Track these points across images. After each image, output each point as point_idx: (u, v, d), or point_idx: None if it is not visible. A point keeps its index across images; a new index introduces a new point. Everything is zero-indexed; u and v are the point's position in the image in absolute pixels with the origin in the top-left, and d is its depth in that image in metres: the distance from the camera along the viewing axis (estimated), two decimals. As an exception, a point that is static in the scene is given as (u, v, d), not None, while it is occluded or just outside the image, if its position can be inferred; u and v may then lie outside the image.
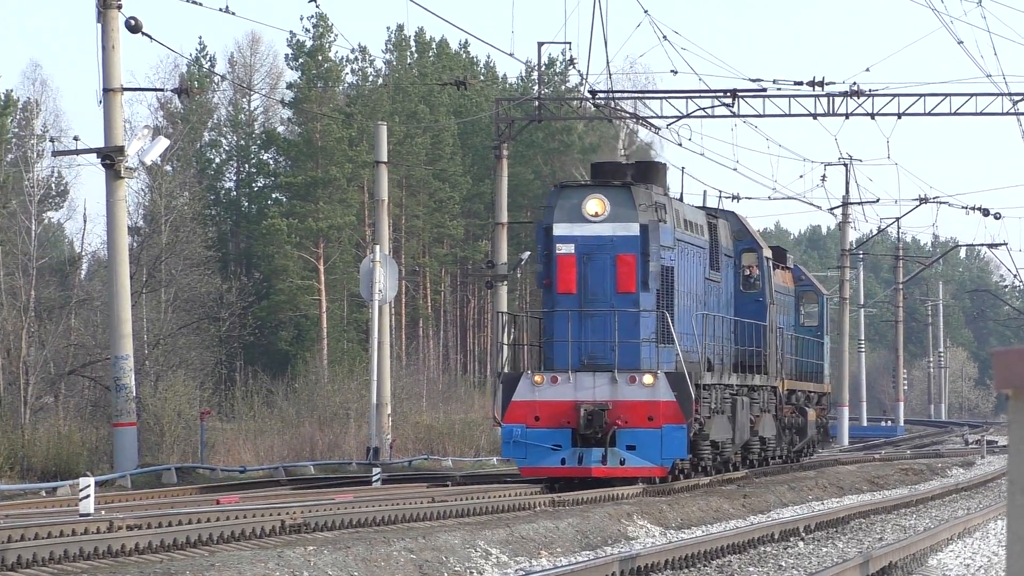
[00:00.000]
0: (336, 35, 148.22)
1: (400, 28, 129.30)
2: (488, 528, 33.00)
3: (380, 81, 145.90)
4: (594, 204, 49.66)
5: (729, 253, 60.54)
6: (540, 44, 79.27)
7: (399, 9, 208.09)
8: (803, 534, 37.65)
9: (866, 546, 35.10)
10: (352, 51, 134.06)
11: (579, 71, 71.38)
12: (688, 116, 72.63)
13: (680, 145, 77.54)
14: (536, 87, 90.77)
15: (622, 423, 49.22)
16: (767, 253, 62.87)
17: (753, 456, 63.53)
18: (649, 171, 54.11)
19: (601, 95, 72.62)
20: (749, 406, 59.33)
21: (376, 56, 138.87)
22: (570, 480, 49.79)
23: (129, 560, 27.92)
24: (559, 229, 49.81)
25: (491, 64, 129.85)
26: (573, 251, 49.71)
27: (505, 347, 52.26)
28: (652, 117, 75.80)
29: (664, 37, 66.70)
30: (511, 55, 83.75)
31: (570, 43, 67.80)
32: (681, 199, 56.70)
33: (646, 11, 63.65)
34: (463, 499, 43.04)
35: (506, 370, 51.63)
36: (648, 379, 49.41)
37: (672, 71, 71.67)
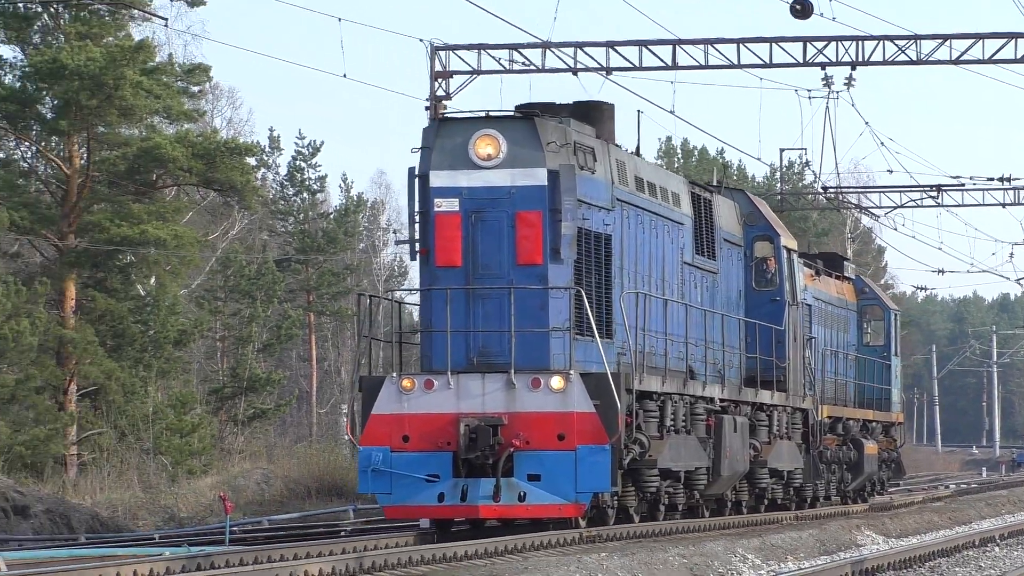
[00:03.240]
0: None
1: (668, 139, 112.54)
2: (745, 538, 28.34)
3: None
4: (485, 144, 25.18)
5: (736, 240, 34.10)
6: (782, 150, 75.20)
7: (668, 124, 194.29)
8: (998, 541, 33.41)
9: (1051, 550, 31.56)
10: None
11: (813, 171, 61.79)
12: (901, 206, 64.76)
13: (895, 230, 73.72)
14: (779, 184, 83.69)
15: (521, 443, 24.86)
16: (787, 242, 35.37)
17: (776, 494, 36.14)
18: (590, 114, 28.11)
19: (831, 190, 65.05)
20: (748, 429, 32.55)
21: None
22: (480, 522, 26.67)
23: (460, 564, 22.56)
24: (437, 178, 25.36)
25: (742, 166, 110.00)
26: (457, 208, 25.41)
27: (365, 340, 26.72)
28: (872, 207, 67.98)
29: (881, 143, 59.18)
30: (758, 159, 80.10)
31: (806, 148, 55.37)
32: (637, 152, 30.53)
33: (867, 123, 56.59)
34: (725, 515, 34.06)
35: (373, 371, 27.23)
36: (557, 382, 24.83)
37: (888, 170, 63.73)
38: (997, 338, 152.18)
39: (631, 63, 41.51)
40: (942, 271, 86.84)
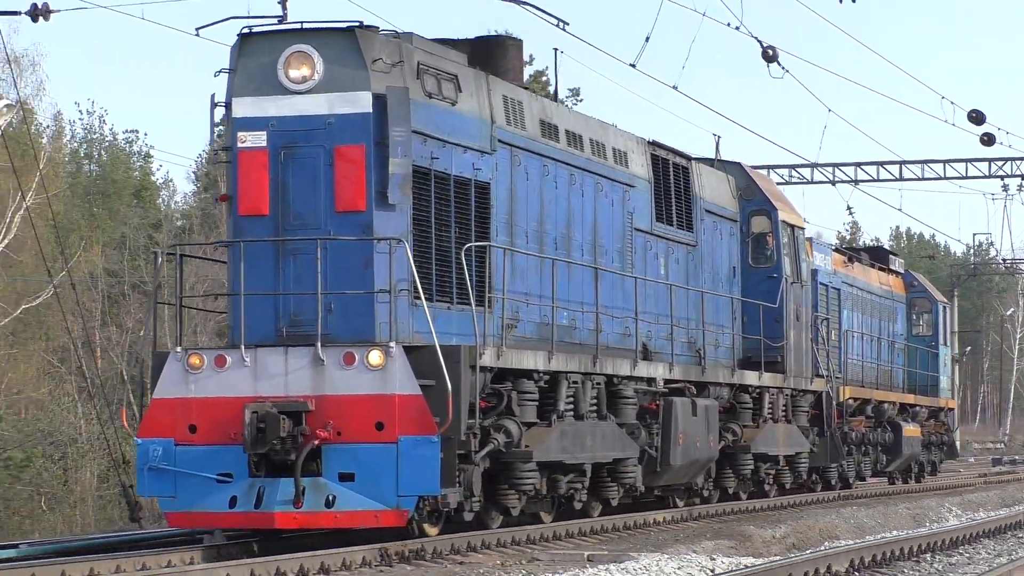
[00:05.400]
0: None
1: (897, 227, 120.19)
2: (950, 496, 29.96)
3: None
4: (297, 63, 14.33)
5: (729, 215, 24.36)
6: (974, 234, 74.40)
7: (896, 217, 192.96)
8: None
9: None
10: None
11: (996, 248, 72.18)
12: (1061, 270, 71.22)
13: (1058, 285, 77.12)
14: (972, 256, 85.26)
15: (331, 434, 14.20)
16: (787, 217, 25.60)
17: (783, 479, 26.19)
18: (490, 50, 17.33)
19: (1008, 261, 71.34)
20: (716, 412, 21.79)
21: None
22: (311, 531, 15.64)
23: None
24: (240, 107, 14.73)
25: (947, 245, 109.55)
26: (264, 144, 14.63)
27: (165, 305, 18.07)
28: (1036, 270, 73.98)
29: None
30: (958, 240, 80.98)
31: (991, 232, 51.77)
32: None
33: (1031, 213, 59.40)
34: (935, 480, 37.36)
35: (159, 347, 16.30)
36: (376, 358, 14.10)
37: (1050, 244, 69.81)
38: None
39: (871, 176, 48.02)
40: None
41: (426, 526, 15.66)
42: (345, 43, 15.22)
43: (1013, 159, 45.30)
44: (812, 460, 27.35)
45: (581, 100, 49.01)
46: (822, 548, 17.42)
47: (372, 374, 14.60)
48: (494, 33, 18.22)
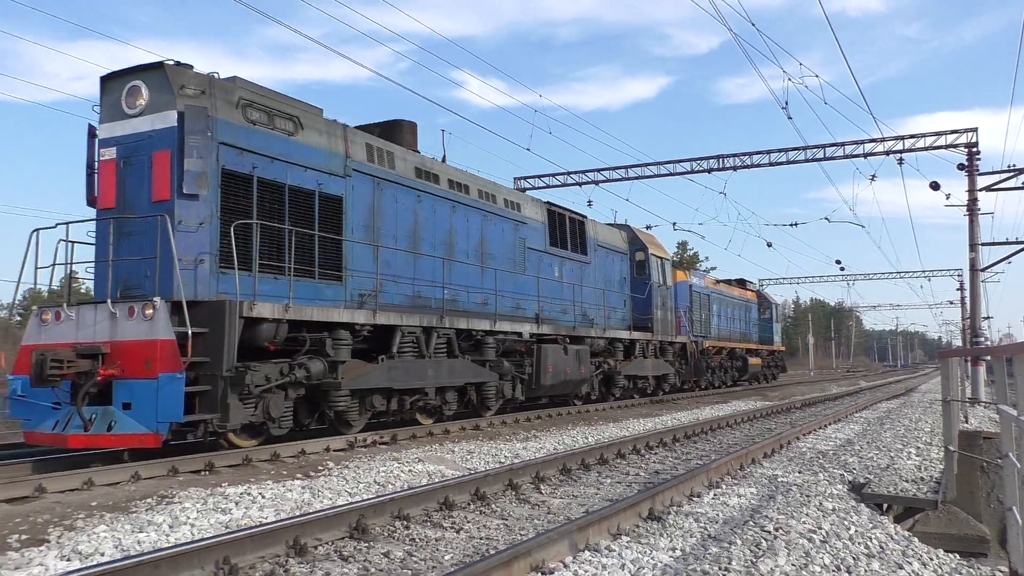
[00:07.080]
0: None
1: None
2: (833, 383, 65.33)
3: None
4: (132, 94, 19.18)
5: (619, 250, 38.18)
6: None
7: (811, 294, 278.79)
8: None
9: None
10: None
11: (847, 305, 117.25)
12: None
13: None
14: (836, 306, 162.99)
15: (119, 372, 18.11)
16: (655, 252, 40.74)
17: (663, 386, 41.85)
18: (392, 128, 25.24)
19: (848, 308, 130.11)
20: (586, 353, 32.35)
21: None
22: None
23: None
24: (102, 131, 19.64)
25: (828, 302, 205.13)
26: (114, 156, 19.38)
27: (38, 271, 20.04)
28: None
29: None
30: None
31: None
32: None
33: None
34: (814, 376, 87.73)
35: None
36: (149, 311, 18.17)
37: None
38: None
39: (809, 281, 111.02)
40: None
41: (237, 439, 19.62)
42: (160, 76, 19.57)
43: (853, 275, 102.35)
44: (683, 377, 43.59)
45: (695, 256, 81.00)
46: (791, 399, 41.74)
47: (146, 324, 18.35)
48: (397, 119, 25.49)
